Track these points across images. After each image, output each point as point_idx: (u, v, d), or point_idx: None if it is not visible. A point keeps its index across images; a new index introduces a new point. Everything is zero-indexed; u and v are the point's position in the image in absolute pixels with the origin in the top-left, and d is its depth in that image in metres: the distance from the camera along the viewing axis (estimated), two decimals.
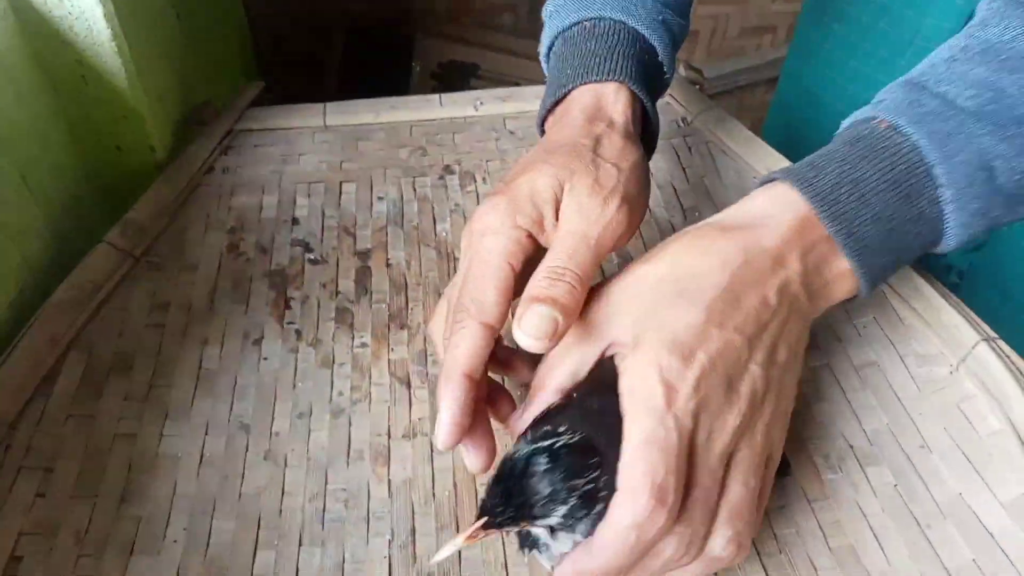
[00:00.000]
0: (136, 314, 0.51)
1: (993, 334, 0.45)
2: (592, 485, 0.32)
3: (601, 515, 0.33)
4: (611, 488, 0.32)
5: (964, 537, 0.39)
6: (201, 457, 0.45)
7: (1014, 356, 0.44)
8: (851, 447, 0.44)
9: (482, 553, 0.41)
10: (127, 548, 0.41)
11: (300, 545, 0.41)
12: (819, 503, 0.42)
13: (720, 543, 0.34)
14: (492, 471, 0.35)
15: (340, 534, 0.42)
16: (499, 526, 0.33)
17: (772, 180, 0.39)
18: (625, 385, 0.34)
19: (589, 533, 0.33)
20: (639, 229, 0.55)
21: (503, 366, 0.43)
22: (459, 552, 0.41)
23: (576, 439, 0.33)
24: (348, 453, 0.46)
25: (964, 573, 0.38)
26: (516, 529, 0.34)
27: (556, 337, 0.35)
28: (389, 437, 0.46)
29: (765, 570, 0.39)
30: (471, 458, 0.39)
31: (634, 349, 0.34)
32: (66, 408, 0.46)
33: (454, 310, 0.39)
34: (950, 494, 0.41)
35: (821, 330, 0.49)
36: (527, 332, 0.34)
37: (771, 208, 0.37)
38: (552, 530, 0.33)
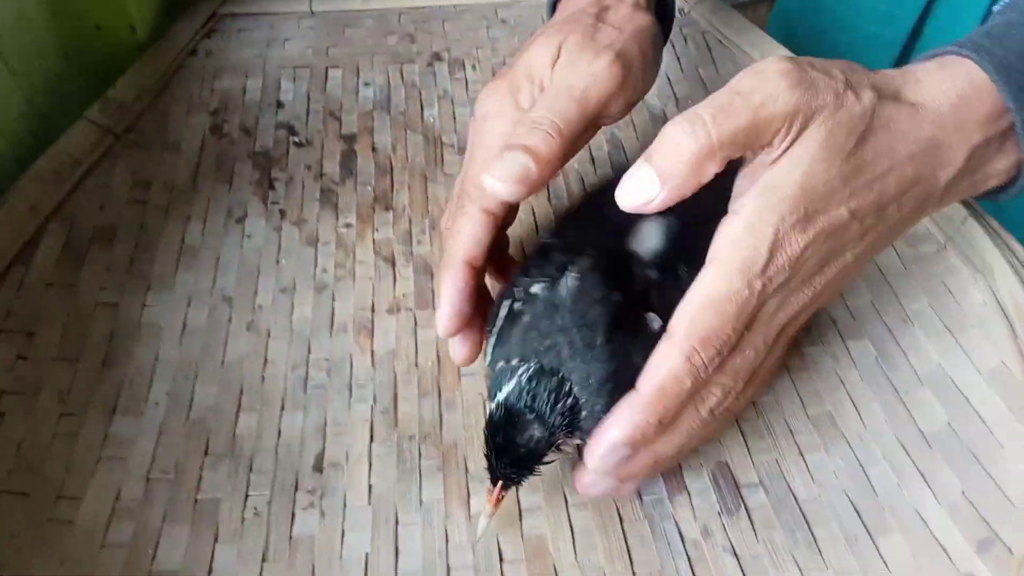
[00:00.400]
0: (118, 190, 0.50)
1: (982, 209, 0.44)
2: (573, 406, 0.32)
3: (595, 416, 0.32)
4: (591, 394, 0.32)
5: (942, 402, 0.39)
6: (183, 327, 0.45)
7: (1001, 230, 0.43)
8: (833, 321, 0.44)
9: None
10: (109, 408, 0.41)
11: (282, 410, 0.42)
12: (798, 373, 0.42)
13: (741, 405, 0.34)
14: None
15: (322, 400, 0.42)
16: (516, 482, 0.34)
17: (943, 53, 0.34)
18: (732, 230, 0.30)
19: (591, 429, 0.32)
20: (631, 115, 0.54)
21: (499, 274, 0.42)
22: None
23: (532, 369, 0.33)
24: (331, 325, 0.46)
25: (939, 436, 0.38)
26: (530, 476, 0.34)
27: (527, 184, 0.34)
28: (373, 311, 0.46)
29: (743, 434, 0.40)
30: (458, 350, 0.39)
31: (760, 194, 0.31)
32: (47, 276, 0.45)
33: (456, 196, 0.39)
34: (930, 364, 0.41)
35: None
36: (495, 176, 0.34)
37: (943, 84, 0.33)
38: (558, 448, 0.34)
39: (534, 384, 0.32)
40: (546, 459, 0.33)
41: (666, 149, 0.30)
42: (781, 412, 0.40)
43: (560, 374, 0.32)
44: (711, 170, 0.30)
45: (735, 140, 0.30)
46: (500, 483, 0.33)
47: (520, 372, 0.32)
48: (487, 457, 0.33)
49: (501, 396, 0.32)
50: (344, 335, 0.45)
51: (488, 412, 0.33)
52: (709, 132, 0.30)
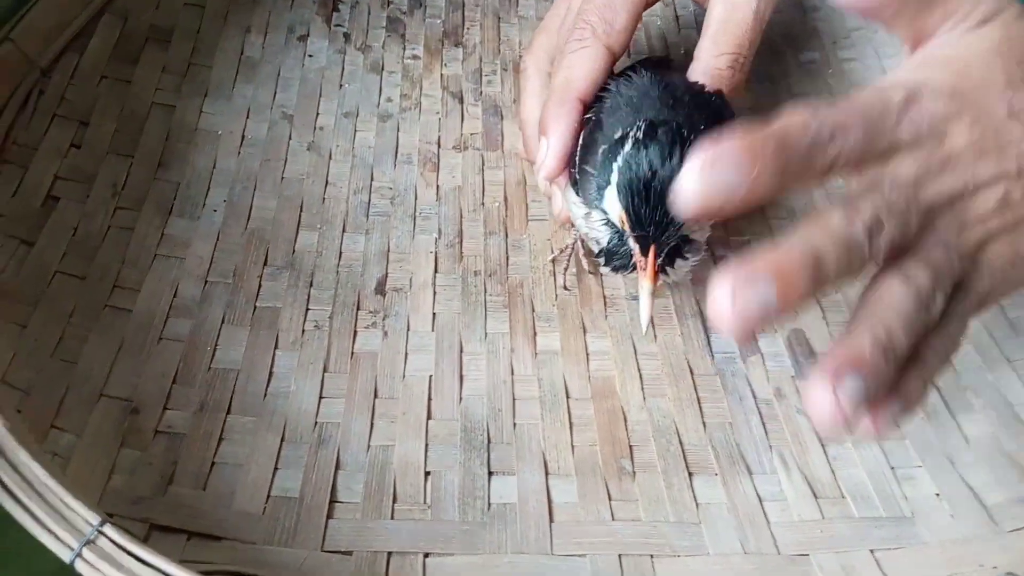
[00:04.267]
0: None
1: None
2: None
3: None
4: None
5: None
6: (243, 138, 0.43)
7: None
8: None
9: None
10: (166, 209, 0.39)
11: (344, 232, 0.40)
12: None
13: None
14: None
15: (386, 227, 0.40)
16: (668, 245, 0.30)
17: None
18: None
19: None
20: None
21: None
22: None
23: (644, 124, 0.30)
24: (396, 155, 0.43)
25: None
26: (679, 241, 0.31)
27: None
28: (439, 146, 0.44)
29: (820, 306, 0.38)
30: (551, 163, 0.35)
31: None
32: (100, 68, 0.43)
33: (574, 27, 0.36)
34: None
35: None
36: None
37: None
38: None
39: (656, 130, 0.29)
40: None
41: None
42: (862, 287, 0.39)
43: (671, 122, 0.30)
44: None
45: None
46: (654, 248, 0.29)
47: (633, 131, 0.30)
48: (631, 215, 0.29)
49: (628, 147, 0.30)
50: (409, 165, 0.43)
51: (621, 166, 0.30)
52: None
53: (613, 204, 0.31)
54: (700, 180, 0.23)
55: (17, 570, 0.25)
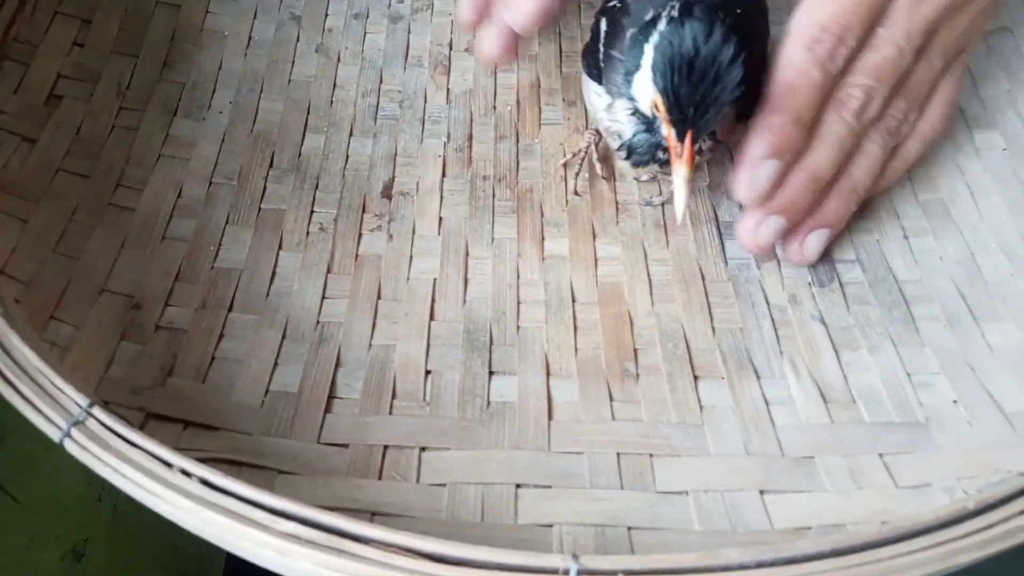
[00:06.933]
0: None
1: None
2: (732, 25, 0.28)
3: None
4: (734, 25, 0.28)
5: None
6: (249, 39, 0.42)
7: None
8: (961, 110, 0.39)
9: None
10: (170, 109, 0.38)
11: (351, 135, 0.39)
12: None
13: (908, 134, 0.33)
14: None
15: (393, 130, 0.39)
16: (708, 129, 0.29)
17: None
18: None
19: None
20: None
21: None
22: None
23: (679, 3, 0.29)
24: (406, 57, 0.42)
25: None
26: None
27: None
28: (451, 49, 0.43)
29: None
30: (497, 41, 0.36)
31: None
32: None
33: None
34: None
35: None
36: None
37: None
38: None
39: (692, 8, 0.28)
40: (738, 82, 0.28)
41: None
42: (888, 193, 0.37)
43: (706, 2, 0.28)
44: None
45: None
46: (691, 133, 0.28)
47: (667, 10, 0.28)
48: (669, 97, 0.28)
49: (662, 26, 0.28)
50: (419, 68, 0.42)
51: (657, 44, 0.28)
52: None
53: (645, 89, 0.29)
54: (751, 187, 0.31)
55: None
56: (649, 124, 0.31)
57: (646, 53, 0.29)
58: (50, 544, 0.39)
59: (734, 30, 0.27)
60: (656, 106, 0.29)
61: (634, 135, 0.32)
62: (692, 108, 0.28)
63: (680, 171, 0.28)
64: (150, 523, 0.31)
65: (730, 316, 0.33)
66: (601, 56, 0.33)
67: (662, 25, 0.28)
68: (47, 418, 0.22)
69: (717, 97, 0.27)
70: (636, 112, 0.31)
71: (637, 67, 0.29)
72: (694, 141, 0.28)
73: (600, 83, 0.33)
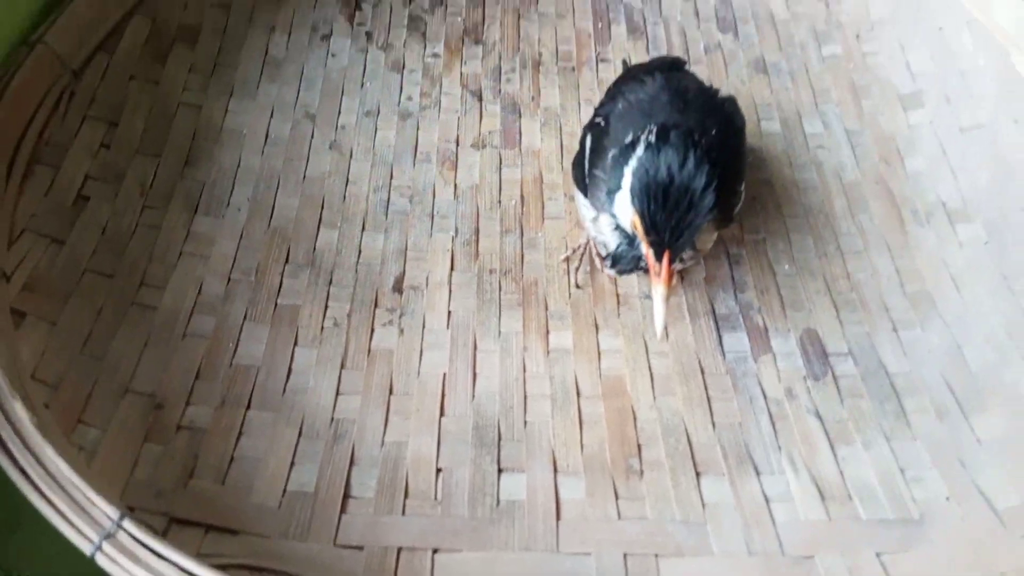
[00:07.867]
0: None
1: None
2: (709, 147, 0.29)
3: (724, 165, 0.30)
4: (711, 142, 0.30)
5: None
6: (266, 137, 0.44)
7: None
8: (943, 203, 0.41)
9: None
10: (191, 207, 0.40)
11: (363, 229, 0.41)
12: (898, 251, 0.40)
13: None
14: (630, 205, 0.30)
15: (404, 225, 0.41)
16: (683, 249, 0.30)
17: None
18: None
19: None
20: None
21: None
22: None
23: (655, 128, 0.30)
24: (415, 153, 0.44)
25: None
26: (693, 241, 0.31)
27: None
28: (458, 144, 0.45)
29: (835, 304, 0.38)
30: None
31: None
32: (130, 68, 0.44)
33: None
34: None
35: (932, 86, 0.45)
36: None
37: None
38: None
39: (668, 133, 0.29)
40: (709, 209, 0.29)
41: None
42: (877, 287, 0.39)
43: (682, 127, 0.30)
44: None
45: None
46: (668, 254, 0.29)
47: (644, 134, 0.30)
48: (646, 221, 0.29)
49: (640, 151, 0.29)
50: (428, 164, 0.44)
51: (635, 169, 0.30)
52: None
53: (625, 209, 0.31)
54: None
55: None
56: (631, 239, 0.32)
57: (625, 175, 0.30)
58: None
59: (708, 154, 0.29)
60: (635, 225, 0.30)
61: (617, 247, 0.33)
62: (668, 232, 0.29)
63: (658, 289, 0.30)
64: None
65: (729, 410, 0.35)
66: (586, 171, 0.34)
67: (640, 150, 0.30)
68: (80, 532, 0.23)
69: (691, 222, 0.29)
70: (618, 227, 0.33)
71: (618, 187, 0.31)
72: (671, 261, 0.30)
73: (586, 196, 0.35)
